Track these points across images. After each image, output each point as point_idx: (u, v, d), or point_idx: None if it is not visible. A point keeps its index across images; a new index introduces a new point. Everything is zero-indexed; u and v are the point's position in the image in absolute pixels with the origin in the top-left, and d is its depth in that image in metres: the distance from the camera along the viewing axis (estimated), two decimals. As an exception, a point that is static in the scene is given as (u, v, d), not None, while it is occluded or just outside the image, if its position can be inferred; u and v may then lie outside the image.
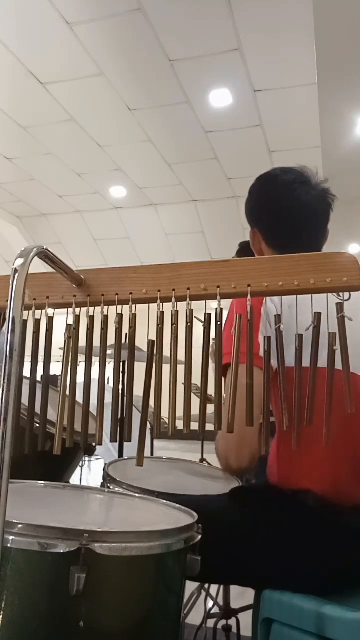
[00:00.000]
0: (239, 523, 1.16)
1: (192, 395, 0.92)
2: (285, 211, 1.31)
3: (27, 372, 0.96)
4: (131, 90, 4.76)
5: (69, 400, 0.93)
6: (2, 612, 0.77)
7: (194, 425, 0.89)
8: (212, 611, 1.84)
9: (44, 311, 0.95)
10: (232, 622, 1.83)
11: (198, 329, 0.89)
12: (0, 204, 7.51)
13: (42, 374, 0.96)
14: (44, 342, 0.96)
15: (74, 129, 5.45)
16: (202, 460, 3.69)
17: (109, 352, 0.92)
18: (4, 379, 0.71)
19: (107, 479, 1.35)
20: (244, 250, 1.39)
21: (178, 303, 0.90)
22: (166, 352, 0.90)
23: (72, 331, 0.94)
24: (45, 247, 0.80)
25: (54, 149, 5.91)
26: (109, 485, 1.32)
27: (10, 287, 0.73)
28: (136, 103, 4.97)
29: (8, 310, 0.73)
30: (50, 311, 0.96)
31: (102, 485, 1.35)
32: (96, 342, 0.93)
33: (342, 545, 1.11)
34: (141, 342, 0.92)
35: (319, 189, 1.32)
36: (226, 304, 0.91)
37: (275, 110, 4.92)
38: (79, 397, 0.94)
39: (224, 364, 0.90)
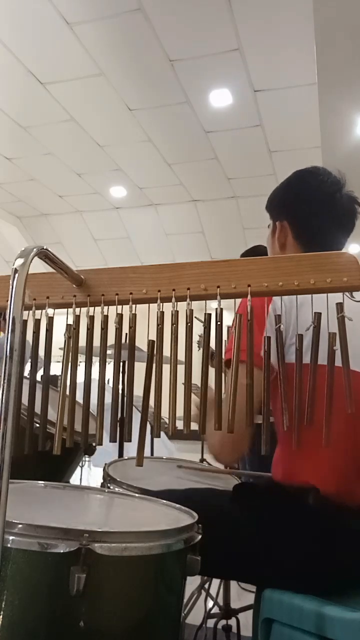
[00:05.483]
0: (240, 520, 1.16)
1: (192, 395, 0.92)
2: (326, 208, 1.31)
3: (27, 372, 0.96)
4: (131, 90, 4.75)
5: (69, 400, 0.93)
6: (2, 612, 0.77)
7: (194, 425, 0.89)
8: (212, 611, 1.84)
9: (44, 311, 0.95)
10: (232, 622, 1.82)
11: (198, 329, 0.89)
12: (0, 204, 7.51)
13: (42, 374, 0.96)
14: (44, 342, 0.96)
15: (74, 129, 5.45)
16: (202, 460, 3.69)
17: (109, 352, 0.92)
18: (4, 379, 0.71)
19: (107, 479, 1.35)
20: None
21: (178, 303, 0.90)
22: (166, 352, 0.90)
23: (72, 331, 0.94)
24: (45, 247, 0.80)
25: (54, 149, 5.91)
26: (109, 485, 1.32)
27: (10, 287, 0.73)
28: (136, 103, 4.97)
29: (8, 310, 0.73)
30: (50, 311, 0.96)
31: (102, 485, 1.35)
32: (96, 342, 0.93)
33: (343, 545, 1.11)
34: (141, 342, 0.92)
35: (352, 197, 1.34)
36: (226, 304, 0.91)
37: (275, 110, 4.92)
38: (79, 397, 0.94)
39: (225, 359, 0.90)
